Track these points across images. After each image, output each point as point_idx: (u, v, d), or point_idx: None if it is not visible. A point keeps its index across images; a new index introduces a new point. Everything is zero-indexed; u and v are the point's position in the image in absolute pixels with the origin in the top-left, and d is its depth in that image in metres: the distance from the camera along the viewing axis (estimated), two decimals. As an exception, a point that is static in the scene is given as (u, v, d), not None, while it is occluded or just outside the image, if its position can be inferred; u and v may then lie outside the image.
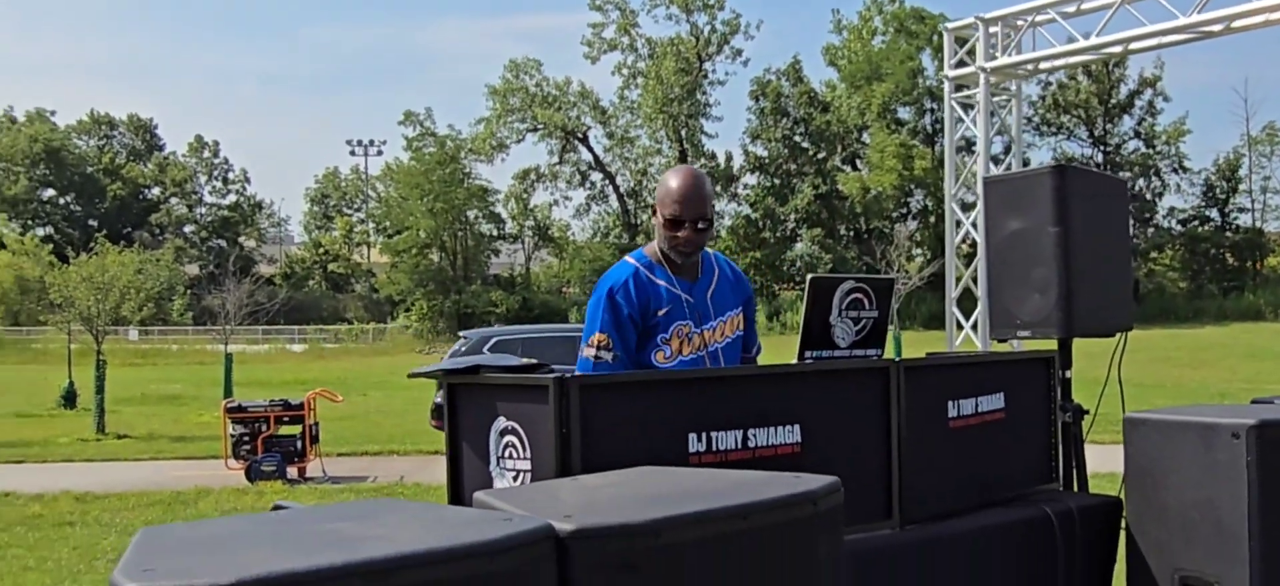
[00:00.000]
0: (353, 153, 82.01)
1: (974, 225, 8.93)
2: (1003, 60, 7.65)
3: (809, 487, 2.00)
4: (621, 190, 59.22)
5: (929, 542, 2.95)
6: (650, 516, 1.83)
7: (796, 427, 2.79)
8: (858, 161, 57.60)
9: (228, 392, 19.84)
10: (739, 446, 2.71)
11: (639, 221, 57.24)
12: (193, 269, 65.46)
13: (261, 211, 75.01)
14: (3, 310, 34.46)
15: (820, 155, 57.10)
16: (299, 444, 12.79)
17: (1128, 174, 58.90)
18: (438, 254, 52.28)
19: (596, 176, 59.25)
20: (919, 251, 49.32)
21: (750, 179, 59.66)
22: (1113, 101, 57.71)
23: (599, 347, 3.35)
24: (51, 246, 42.17)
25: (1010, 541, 3.08)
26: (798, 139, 57.64)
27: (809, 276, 3.01)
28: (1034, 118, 57.56)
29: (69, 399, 22.01)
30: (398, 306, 55.19)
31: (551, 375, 2.59)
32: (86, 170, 71.13)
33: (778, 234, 58.16)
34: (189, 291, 57.20)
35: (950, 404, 3.10)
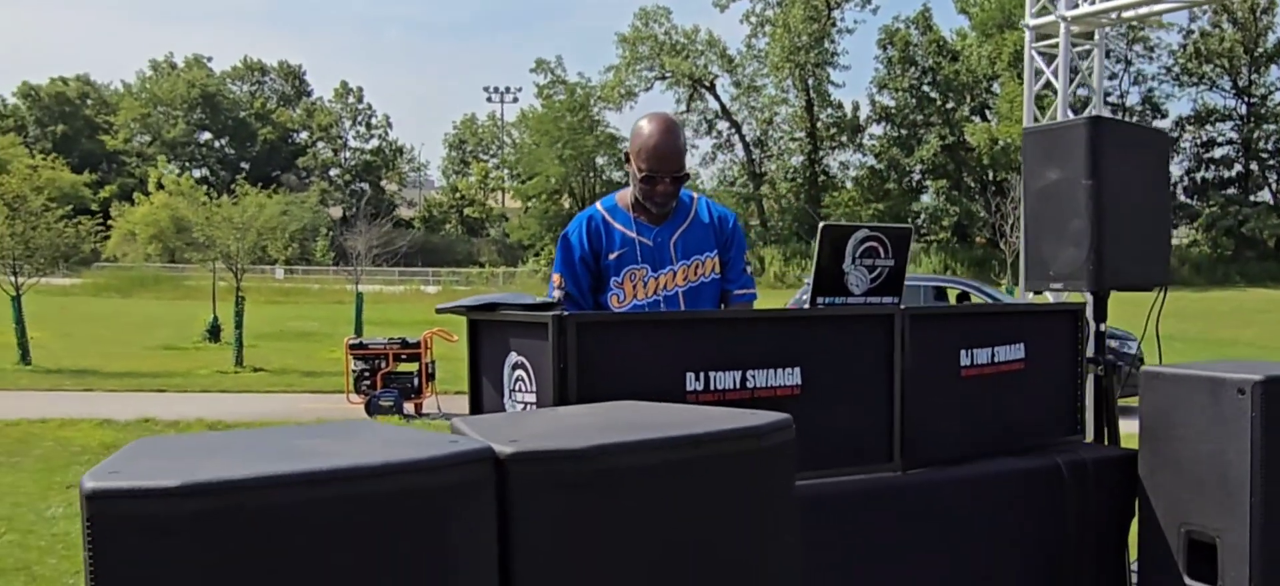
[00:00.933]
0: (490, 99, 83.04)
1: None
2: (1084, 8, 7.41)
3: (754, 422, 2.03)
4: (747, 139, 58.93)
5: (931, 486, 2.96)
6: (591, 443, 1.89)
7: (797, 370, 2.82)
8: (987, 112, 56.26)
9: (358, 331, 20.42)
10: (737, 387, 2.75)
11: (764, 171, 57.04)
12: (336, 211, 67.17)
13: (402, 156, 76.51)
14: (159, 247, 35.79)
15: (948, 105, 55.94)
16: (415, 380, 13.14)
17: (1273, 126, 56.43)
18: (567, 200, 52.69)
19: (722, 125, 59.02)
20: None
21: (876, 129, 58.84)
22: (1259, 50, 55.15)
23: (556, 286, 3.45)
24: (206, 187, 43.79)
25: (1017, 488, 3.06)
26: (925, 88, 56.54)
27: (821, 224, 3.03)
28: (1174, 67, 55.48)
29: (213, 333, 22.84)
30: (527, 251, 55.86)
31: (554, 313, 2.66)
32: (239, 114, 73.38)
33: (903, 185, 57.28)
34: (330, 233, 58.73)
35: (963, 353, 3.08)
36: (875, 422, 2.93)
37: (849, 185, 56.01)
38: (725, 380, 2.74)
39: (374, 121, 75.99)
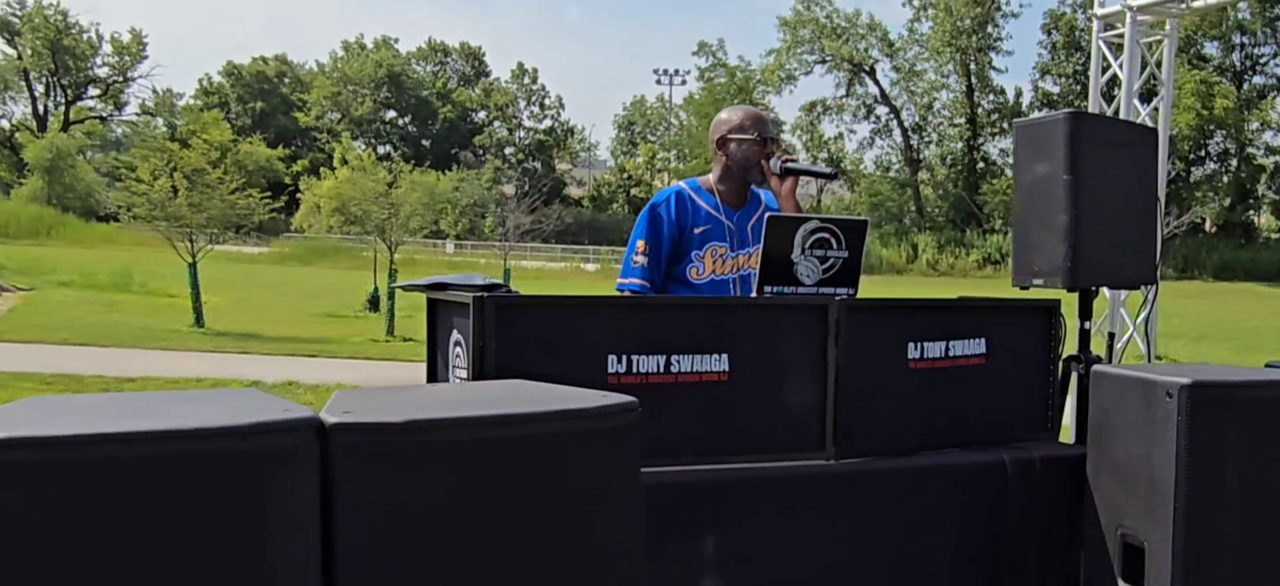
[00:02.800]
0: (658, 81, 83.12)
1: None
2: (1150, -4, 6.99)
3: (592, 404, 2.04)
4: (905, 125, 57.76)
5: (862, 475, 2.91)
6: (420, 416, 1.93)
7: (724, 357, 2.80)
8: (1154, 98, 53.77)
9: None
10: (661, 371, 2.75)
11: (922, 157, 55.76)
12: (509, 188, 68.46)
13: (573, 136, 77.45)
14: (340, 220, 37.04)
15: (1114, 92, 53.72)
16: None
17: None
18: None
19: (882, 110, 57.98)
20: (1214, 197, 45.93)
21: (1038, 115, 56.84)
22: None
23: (640, 252, 3.62)
24: (388, 163, 45.19)
25: (954, 483, 2.98)
26: (1091, 74, 54.34)
27: (767, 215, 3.00)
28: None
29: (373, 303, 23.60)
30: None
31: (482, 293, 2.70)
32: (422, 94, 75.32)
33: (1066, 173, 55.22)
34: (498, 209, 59.91)
35: (912, 345, 3.01)
36: (806, 411, 2.89)
37: (1008, 173, 54.19)
38: (648, 364, 2.75)
39: (547, 102, 77.16)
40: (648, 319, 2.80)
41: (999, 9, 53.36)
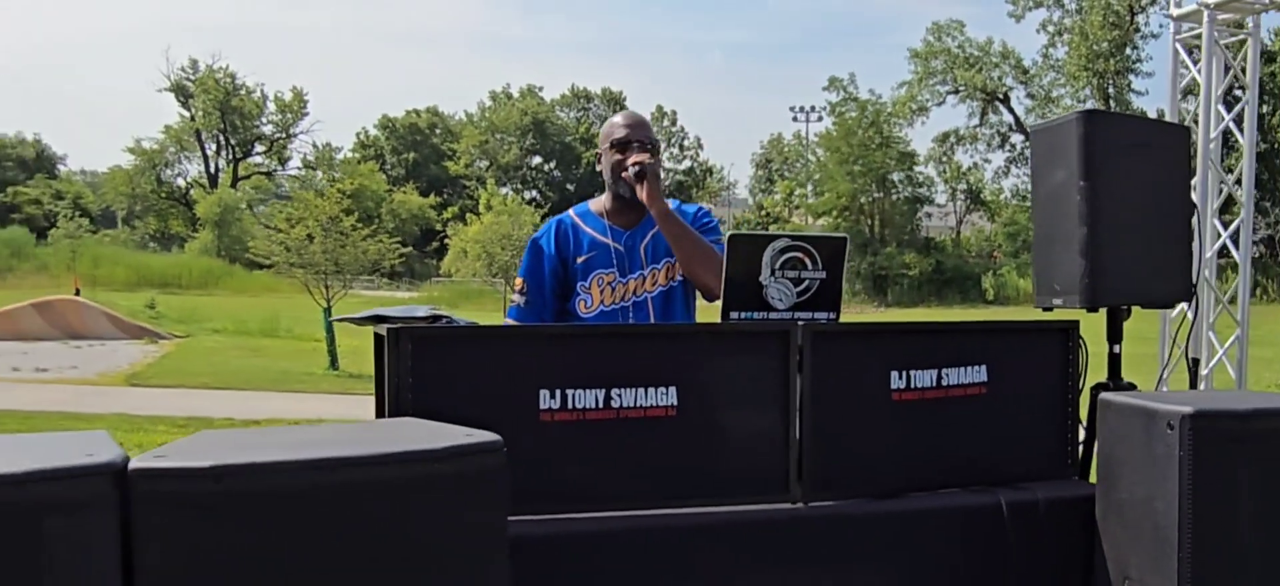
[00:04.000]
0: (794, 118, 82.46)
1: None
2: (1232, -8, 6.30)
3: (435, 445, 1.76)
4: (1043, 153, 55.56)
5: (834, 520, 2.55)
6: (232, 460, 1.68)
7: (672, 390, 2.49)
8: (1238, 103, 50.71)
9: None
10: (600, 405, 2.45)
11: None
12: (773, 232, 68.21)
13: (712, 175, 77.25)
14: (484, 264, 37.49)
15: (1263, 109, 50.97)
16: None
17: None
18: (857, 216, 51.56)
19: (1017, 139, 55.97)
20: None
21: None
22: None
23: (518, 291, 3.33)
24: (535, 207, 45.60)
25: (940, 528, 2.60)
26: (1237, 93, 51.64)
27: (729, 234, 2.68)
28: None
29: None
30: (818, 267, 55.06)
31: (404, 325, 2.45)
32: (565, 139, 76.10)
33: (1211, 197, 52.59)
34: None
35: (895, 374, 2.65)
36: (769, 450, 2.55)
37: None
38: (585, 399, 2.45)
39: (686, 143, 77.15)
40: (584, 349, 2.50)
41: (1137, 30, 51.07)
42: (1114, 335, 3.06)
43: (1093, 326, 2.97)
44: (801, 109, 67.28)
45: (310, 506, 1.68)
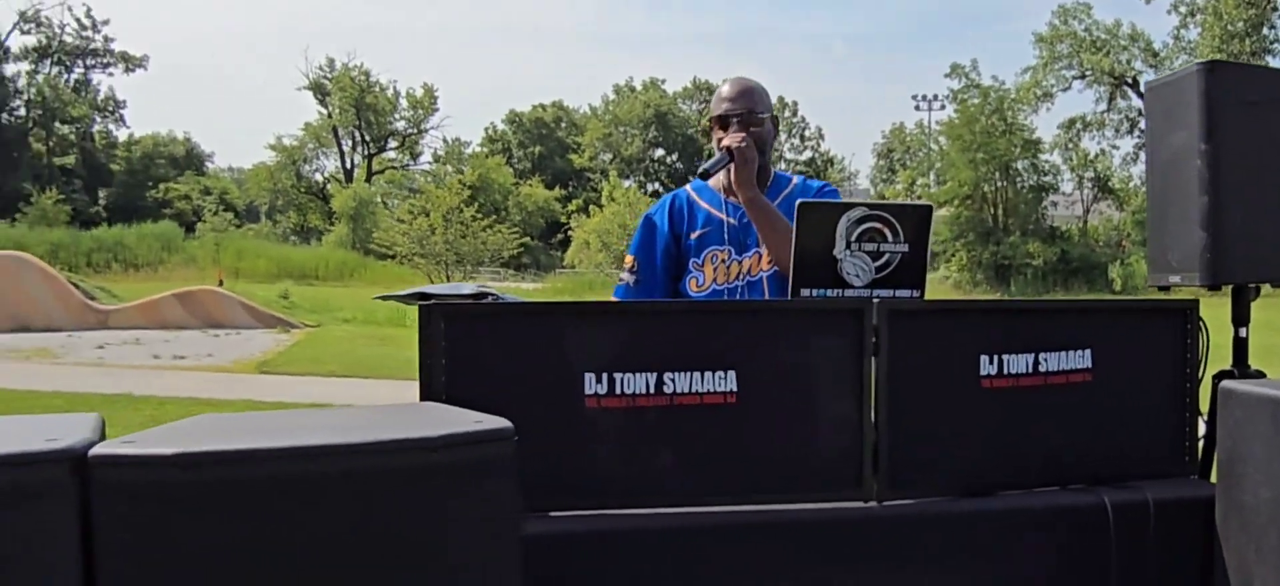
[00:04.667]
0: (917, 107, 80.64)
1: None
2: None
3: (436, 433, 1.53)
4: (1174, 139, 53.15)
5: (912, 521, 2.25)
6: (199, 448, 1.48)
7: (732, 375, 2.21)
8: None
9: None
10: (651, 390, 2.20)
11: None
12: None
13: (832, 166, 76.20)
14: (607, 255, 37.58)
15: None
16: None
17: None
18: (980, 205, 50.04)
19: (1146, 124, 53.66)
20: None
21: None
22: None
23: (628, 269, 3.08)
24: (655, 198, 45.45)
25: (1033, 531, 2.27)
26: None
27: (799, 202, 2.39)
28: None
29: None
30: (938, 258, 53.67)
31: (438, 301, 2.23)
32: (687, 131, 75.84)
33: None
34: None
35: (985, 358, 2.33)
36: (839, 442, 2.26)
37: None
38: (635, 383, 2.19)
39: (807, 134, 76.27)
40: (635, 328, 2.24)
41: (1274, 9, 48.38)
42: (1239, 317, 2.68)
43: (1216, 310, 2.61)
44: (924, 97, 65.77)
45: (283, 498, 1.46)
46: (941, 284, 47.91)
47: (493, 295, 2.52)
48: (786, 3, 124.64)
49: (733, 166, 2.95)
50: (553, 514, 2.16)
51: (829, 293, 2.38)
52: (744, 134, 2.98)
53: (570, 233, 48.93)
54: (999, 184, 49.85)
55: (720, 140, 3.04)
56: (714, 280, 2.97)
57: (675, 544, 2.15)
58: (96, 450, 1.46)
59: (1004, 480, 2.34)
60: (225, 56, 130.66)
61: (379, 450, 1.50)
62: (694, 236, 3.01)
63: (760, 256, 2.94)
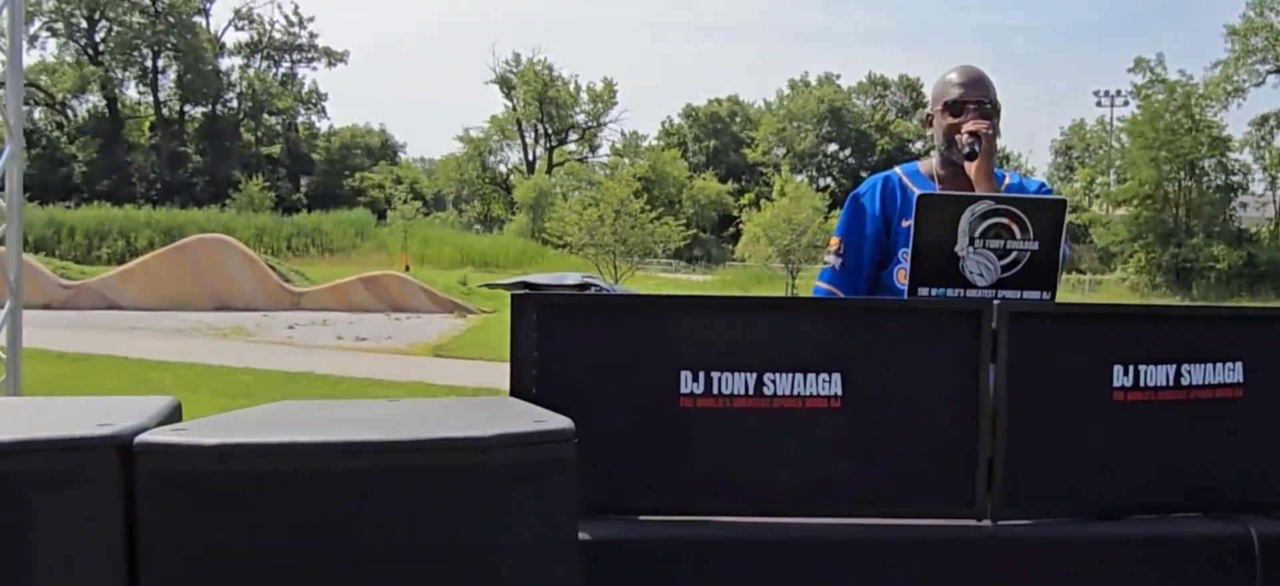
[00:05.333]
0: (1099, 104, 77.24)
1: None
2: None
3: (479, 433, 1.42)
4: (1382, 137, 49.45)
5: (1031, 544, 2.02)
6: (244, 439, 1.41)
7: (836, 377, 2.03)
8: None
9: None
10: (750, 392, 2.03)
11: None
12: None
13: (1009, 163, 73.68)
14: (774, 251, 37.29)
15: None
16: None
17: None
18: (1162, 205, 47.52)
19: (1353, 125, 50.11)
20: None
21: None
22: None
23: (833, 252, 2.92)
24: (829, 195, 44.81)
25: (1171, 560, 2.01)
26: None
27: (918, 195, 2.20)
28: None
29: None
30: (1115, 258, 51.18)
31: (532, 291, 2.12)
32: (861, 127, 74.61)
33: None
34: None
35: (1119, 369, 2.08)
36: (952, 454, 2.05)
37: None
38: (733, 383, 2.04)
39: (984, 130, 73.99)
40: (734, 324, 2.08)
41: None
42: None
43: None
44: (1106, 93, 62.96)
45: (322, 493, 1.37)
46: (1118, 286, 45.78)
47: (597, 286, 2.40)
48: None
49: (979, 154, 2.76)
50: (642, 518, 2.03)
51: (950, 292, 2.18)
52: (988, 122, 2.79)
53: (741, 226, 48.69)
54: (1183, 183, 47.27)
55: (955, 125, 2.85)
56: None
57: (769, 556, 1.99)
58: (142, 438, 1.40)
59: (1136, 503, 2.09)
60: (419, 51, 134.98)
61: (422, 448, 1.40)
62: (906, 224, 2.79)
63: None
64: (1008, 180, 2.99)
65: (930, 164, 2.98)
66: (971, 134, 2.76)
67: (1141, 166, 46.62)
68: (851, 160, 74.24)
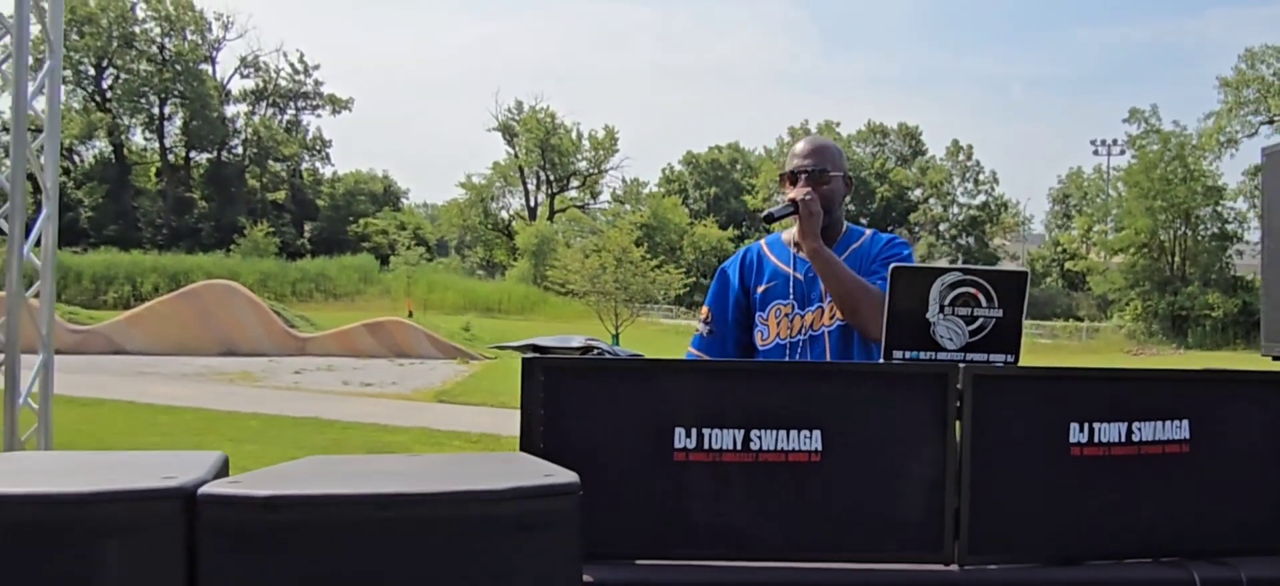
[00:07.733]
0: (1096, 152, 77.94)
1: None
2: None
3: (495, 485, 1.61)
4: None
5: (994, 587, 2.20)
6: (290, 491, 1.60)
7: (816, 434, 2.23)
8: None
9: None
10: (738, 446, 2.23)
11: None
12: (943, 263, 66.26)
13: (1007, 210, 74.15)
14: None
15: None
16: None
17: None
18: (1158, 253, 47.79)
19: (1348, 176, 50.31)
20: None
21: None
22: None
23: (703, 320, 3.15)
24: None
25: (1120, 605, 2.20)
26: None
27: (892, 265, 2.40)
28: None
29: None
30: (1112, 306, 51.39)
31: (537, 355, 2.32)
32: (860, 174, 75.06)
33: None
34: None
35: (1075, 426, 2.27)
36: (922, 504, 2.24)
37: None
38: (723, 439, 2.23)
39: (981, 178, 74.44)
40: (724, 385, 2.27)
41: None
42: (1359, 391, 2.53)
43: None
44: (1103, 142, 63.49)
45: (357, 541, 1.56)
46: (1115, 333, 45.98)
47: (599, 348, 2.60)
48: (963, 44, 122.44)
49: (797, 219, 2.98)
50: (639, 562, 2.21)
51: (922, 355, 2.37)
52: (810, 189, 3.00)
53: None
54: (1179, 231, 47.57)
55: (787, 194, 3.07)
56: (778, 334, 3.01)
57: (756, 596, 2.17)
58: (205, 489, 1.59)
59: (1091, 550, 2.27)
60: (423, 98, 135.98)
61: (447, 500, 1.58)
62: (761, 290, 3.08)
63: (823, 310, 2.97)
64: (865, 236, 3.19)
65: (792, 231, 3.15)
66: (790, 200, 2.98)
67: (1138, 215, 46.94)
68: (851, 207, 74.49)
